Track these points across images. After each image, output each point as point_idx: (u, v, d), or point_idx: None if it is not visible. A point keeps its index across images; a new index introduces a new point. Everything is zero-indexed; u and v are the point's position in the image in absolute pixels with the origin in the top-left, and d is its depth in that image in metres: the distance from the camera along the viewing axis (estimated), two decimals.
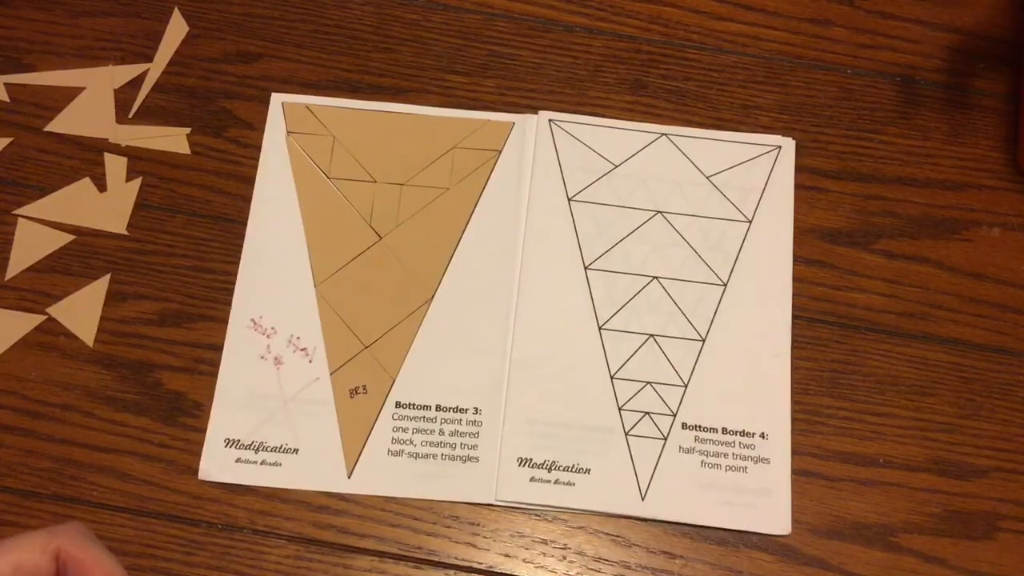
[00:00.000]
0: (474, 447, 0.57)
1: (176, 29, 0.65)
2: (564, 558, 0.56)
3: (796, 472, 0.58)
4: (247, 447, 0.58)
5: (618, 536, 0.56)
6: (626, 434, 0.58)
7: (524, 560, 0.56)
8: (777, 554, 0.56)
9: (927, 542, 0.57)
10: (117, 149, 0.63)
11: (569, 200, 0.62)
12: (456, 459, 0.57)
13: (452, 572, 0.55)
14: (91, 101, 0.64)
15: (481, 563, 0.56)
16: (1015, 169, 0.63)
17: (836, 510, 0.57)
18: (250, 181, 0.62)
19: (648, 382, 0.59)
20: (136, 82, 0.64)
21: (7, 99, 0.63)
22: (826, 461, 0.58)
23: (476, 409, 0.58)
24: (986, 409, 0.59)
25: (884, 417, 0.59)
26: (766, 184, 0.62)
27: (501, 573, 0.55)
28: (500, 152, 0.63)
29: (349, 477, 0.57)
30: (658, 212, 0.61)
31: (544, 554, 0.56)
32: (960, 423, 0.59)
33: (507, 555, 0.56)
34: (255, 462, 0.57)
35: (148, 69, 0.64)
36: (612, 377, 0.58)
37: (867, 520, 0.57)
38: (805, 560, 0.56)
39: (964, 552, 0.57)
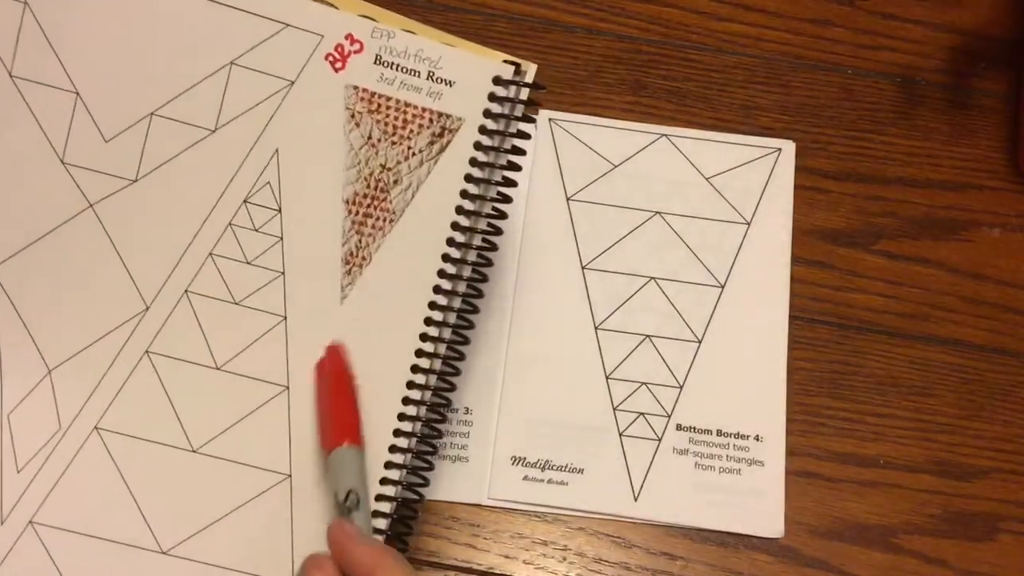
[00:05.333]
0: (464, 447, 0.57)
1: None
2: (564, 559, 0.56)
3: (796, 473, 0.58)
4: None
5: (618, 537, 0.56)
6: (620, 434, 0.58)
7: (524, 561, 0.56)
8: (778, 555, 0.56)
9: (928, 543, 0.57)
10: None
11: (568, 199, 0.62)
12: (446, 459, 0.57)
13: (452, 573, 0.55)
14: None
15: (481, 564, 0.55)
16: (1015, 169, 0.63)
17: (837, 511, 0.57)
18: None
19: (643, 383, 0.58)
20: None
21: None
22: (826, 462, 0.58)
23: (467, 409, 0.58)
24: (986, 410, 0.59)
25: (884, 418, 0.59)
26: (765, 186, 0.62)
27: (501, 574, 0.55)
28: None
29: None
30: (657, 213, 0.61)
31: (544, 555, 0.56)
32: (960, 424, 0.59)
33: (507, 556, 0.56)
34: None
35: None
36: (607, 377, 0.58)
37: (868, 521, 0.57)
38: (806, 561, 0.56)
39: (965, 553, 0.57)
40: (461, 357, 0.52)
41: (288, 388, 0.51)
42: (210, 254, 0.51)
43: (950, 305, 0.61)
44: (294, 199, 0.51)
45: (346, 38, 0.50)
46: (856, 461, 0.58)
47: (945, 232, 0.62)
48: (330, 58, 0.50)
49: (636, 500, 0.57)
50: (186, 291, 0.51)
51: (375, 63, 0.51)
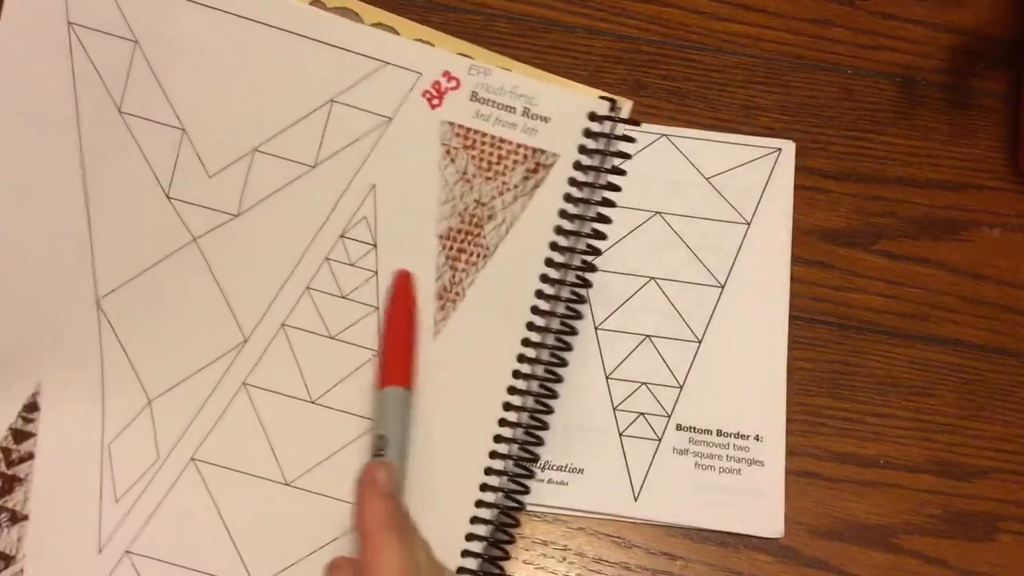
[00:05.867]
0: None
1: None
2: (564, 559, 0.56)
3: (796, 473, 0.58)
4: None
5: (618, 537, 0.56)
6: (620, 435, 0.58)
7: (524, 561, 0.56)
8: (777, 555, 0.56)
9: (928, 543, 0.57)
10: None
11: None
12: None
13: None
14: None
15: None
16: (1015, 169, 0.63)
17: (836, 511, 0.57)
18: None
19: (643, 383, 0.59)
20: None
21: None
22: (826, 462, 0.58)
23: None
24: (986, 410, 0.59)
25: (884, 418, 0.59)
26: (765, 186, 0.62)
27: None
28: None
29: None
30: (657, 213, 0.61)
31: (544, 555, 0.56)
32: (960, 424, 0.59)
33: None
34: None
35: None
36: (607, 377, 0.58)
37: (868, 521, 0.57)
38: (806, 561, 0.56)
39: (965, 553, 0.57)
40: (554, 395, 0.53)
41: None
42: (307, 288, 0.51)
43: (950, 305, 0.61)
44: (389, 234, 0.52)
45: (443, 75, 0.51)
46: (856, 461, 0.58)
47: (945, 232, 0.62)
48: (427, 95, 0.51)
49: (636, 500, 0.57)
50: (283, 324, 0.51)
51: (471, 100, 0.51)
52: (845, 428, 0.59)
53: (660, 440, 0.58)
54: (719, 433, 0.58)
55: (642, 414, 0.58)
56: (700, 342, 0.59)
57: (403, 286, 0.51)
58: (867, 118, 0.64)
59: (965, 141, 0.64)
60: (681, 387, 0.59)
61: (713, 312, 0.60)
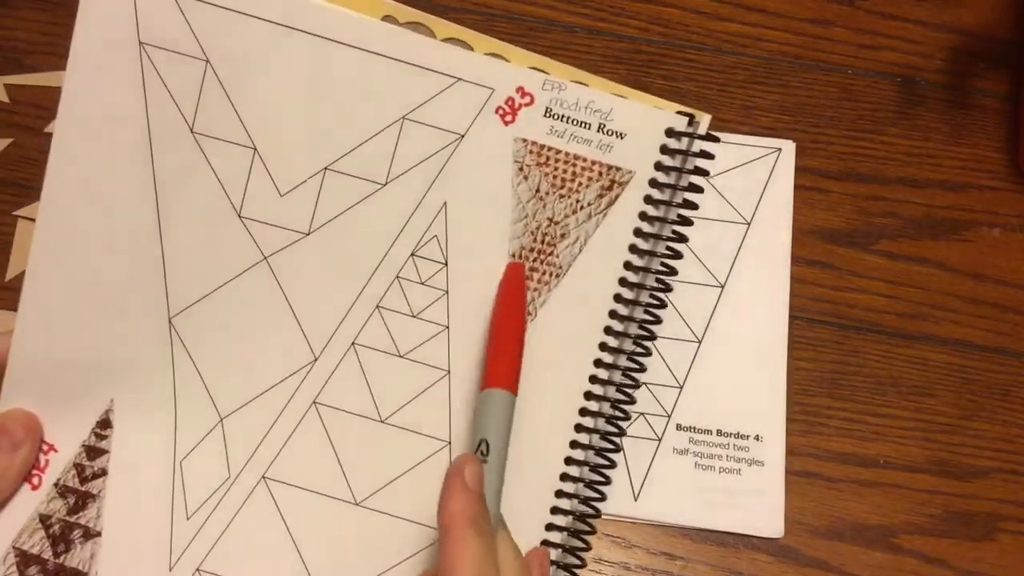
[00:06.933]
0: None
1: None
2: None
3: (796, 473, 0.58)
4: None
5: (618, 537, 0.56)
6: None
7: None
8: (778, 555, 0.56)
9: (928, 543, 0.57)
10: None
11: None
12: None
13: None
14: None
15: None
16: (1015, 169, 0.63)
17: (837, 511, 0.57)
18: None
19: (643, 383, 0.58)
20: None
21: (7, 100, 0.63)
22: (826, 462, 0.58)
23: None
24: (987, 410, 0.59)
25: (884, 418, 0.59)
26: (765, 186, 0.62)
27: None
28: None
29: None
30: None
31: None
32: (961, 424, 0.59)
33: None
34: None
35: None
36: None
37: (868, 521, 0.57)
38: (806, 561, 0.56)
39: (965, 553, 0.57)
40: (626, 416, 0.52)
41: (450, 444, 0.51)
42: (377, 306, 0.51)
43: (950, 305, 0.61)
44: (460, 252, 0.51)
45: (517, 91, 0.50)
46: (856, 461, 0.58)
47: (945, 232, 0.62)
48: (500, 111, 0.50)
49: (636, 500, 0.57)
50: (353, 343, 0.51)
51: (545, 116, 0.50)
52: (845, 428, 0.59)
53: (660, 440, 0.58)
54: (719, 433, 0.58)
55: (642, 414, 0.58)
56: (700, 342, 0.59)
57: (515, 280, 0.50)
58: (867, 118, 0.64)
59: (965, 141, 0.64)
60: (681, 387, 0.59)
61: (713, 312, 0.60)
